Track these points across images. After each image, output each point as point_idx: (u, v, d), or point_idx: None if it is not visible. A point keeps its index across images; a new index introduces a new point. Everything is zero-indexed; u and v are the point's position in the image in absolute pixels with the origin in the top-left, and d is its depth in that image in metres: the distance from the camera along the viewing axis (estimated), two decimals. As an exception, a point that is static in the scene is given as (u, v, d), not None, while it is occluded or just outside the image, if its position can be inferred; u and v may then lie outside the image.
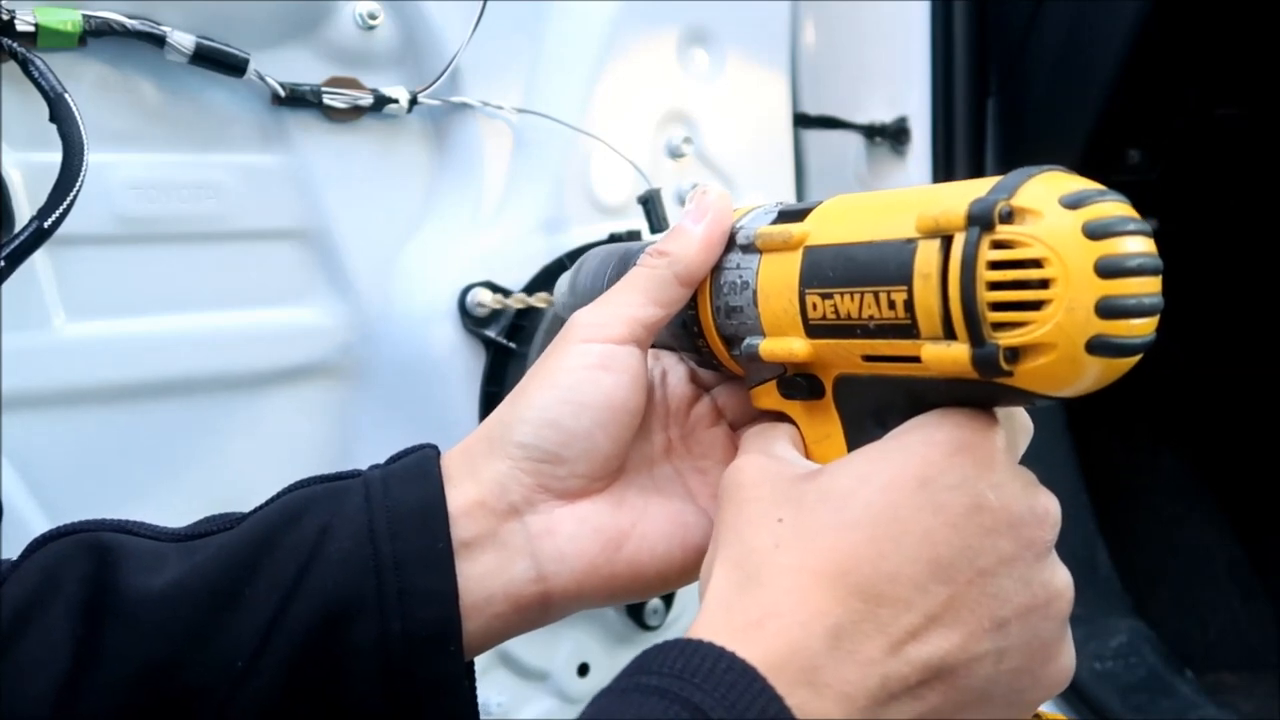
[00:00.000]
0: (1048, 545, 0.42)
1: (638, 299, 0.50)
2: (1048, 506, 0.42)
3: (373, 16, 0.90)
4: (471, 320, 0.95)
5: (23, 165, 0.78)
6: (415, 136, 0.97)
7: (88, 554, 0.47)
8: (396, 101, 0.91)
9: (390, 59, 0.93)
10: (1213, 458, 1.55)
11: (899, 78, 1.26)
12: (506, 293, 0.96)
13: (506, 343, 0.95)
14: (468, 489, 0.48)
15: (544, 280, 0.99)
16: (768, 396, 0.50)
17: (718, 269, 0.50)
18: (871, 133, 1.27)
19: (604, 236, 1.02)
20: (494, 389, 0.96)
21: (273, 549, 0.47)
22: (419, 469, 0.49)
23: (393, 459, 0.51)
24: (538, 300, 0.95)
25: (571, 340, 0.50)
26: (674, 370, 0.56)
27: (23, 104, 0.75)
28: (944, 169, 1.24)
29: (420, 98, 0.92)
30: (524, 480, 0.48)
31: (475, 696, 0.50)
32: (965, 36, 1.22)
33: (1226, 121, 1.27)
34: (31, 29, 0.74)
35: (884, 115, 1.27)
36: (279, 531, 0.47)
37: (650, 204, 0.99)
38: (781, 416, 0.50)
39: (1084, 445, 1.34)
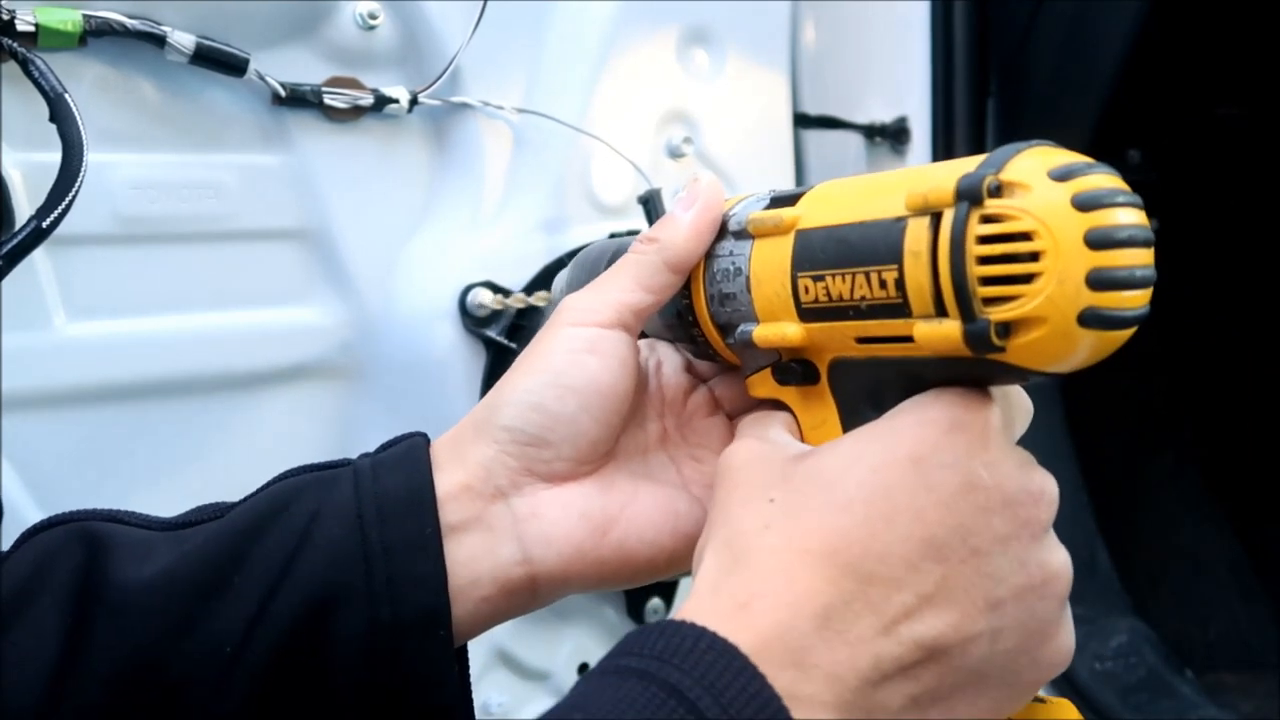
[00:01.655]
0: (1044, 525, 0.41)
1: (627, 284, 0.50)
2: (1044, 485, 0.41)
3: (373, 16, 0.90)
4: (472, 320, 0.95)
5: (23, 165, 0.78)
6: (415, 136, 0.96)
7: (78, 544, 0.47)
8: (397, 101, 0.91)
9: (391, 59, 0.93)
10: (1213, 458, 1.55)
11: (899, 78, 1.26)
12: (507, 293, 0.96)
13: (507, 343, 0.95)
14: (455, 474, 0.48)
15: (544, 280, 0.99)
16: (763, 384, 0.49)
17: (711, 256, 0.50)
18: (871, 133, 1.27)
19: (604, 237, 1.02)
20: (495, 389, 0.96)
21: (262, 536, 0.47)
22: (407, 456, 0.50)
23: (382, 447, 0.52)
24: (537, 299, 0.95)
25: (559, 325, 0.50)
26: (669, 360, 0.56)
27: (23, 104, 0.75)
28: (944, 169, 1.23)
29: (421, 98, 0.92)
30: (509, 464, 0.48)
31: (468, 681, 0.50)
32: (965, 36, 1.22)
33: (1226, 121, 1.27)
34: (32, 29, 0.74)
35: (884, 115, 1.27)
36: (268, 519, 0.47)
37: (651, 204, 0.99)
38: (778, 404, 0.49)
39: (1084, 445, 1.34)
